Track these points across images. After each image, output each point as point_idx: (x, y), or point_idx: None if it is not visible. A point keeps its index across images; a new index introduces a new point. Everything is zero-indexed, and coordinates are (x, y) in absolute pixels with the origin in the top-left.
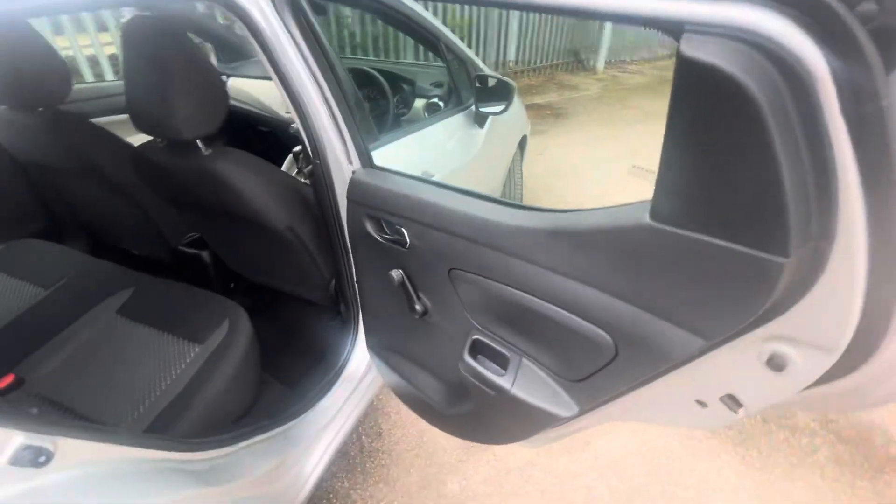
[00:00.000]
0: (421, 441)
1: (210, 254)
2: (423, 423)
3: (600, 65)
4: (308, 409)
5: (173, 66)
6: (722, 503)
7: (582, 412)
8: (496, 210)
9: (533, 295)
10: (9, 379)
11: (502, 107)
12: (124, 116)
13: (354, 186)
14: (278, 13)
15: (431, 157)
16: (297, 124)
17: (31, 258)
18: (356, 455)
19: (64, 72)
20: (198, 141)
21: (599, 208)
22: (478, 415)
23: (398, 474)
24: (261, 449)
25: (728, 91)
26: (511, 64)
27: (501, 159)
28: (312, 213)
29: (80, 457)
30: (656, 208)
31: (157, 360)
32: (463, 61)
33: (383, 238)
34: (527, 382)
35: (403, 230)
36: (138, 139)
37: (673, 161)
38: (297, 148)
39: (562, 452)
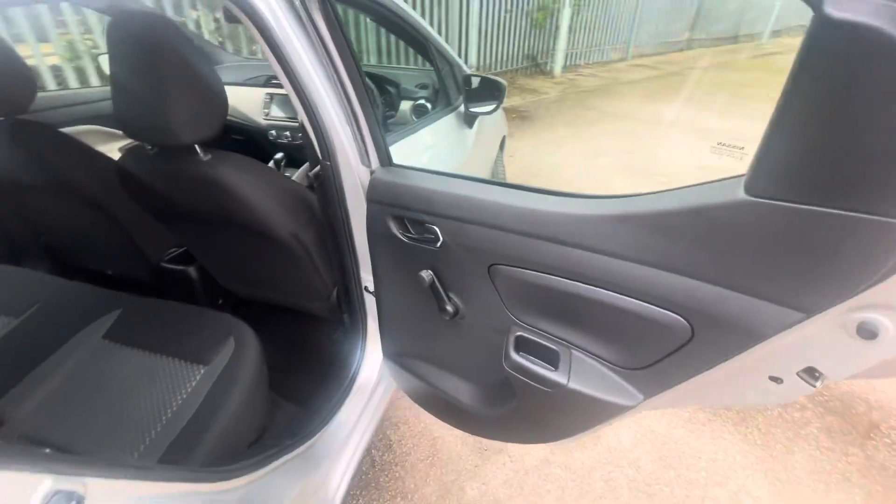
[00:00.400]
0: (434, 449)
1: (197, 269)
2: (434, 431)
3: (557, 69)
4: (324, 425)
5: (170, 64)
6: (733, 481)
7: (646, 399)
8: (547, 200)
9: (591, 284)
10: None
11: (493, 106)
12: (93, 127)
13: (376, 186)
14: (305, 7)
15: (429, 157)
16: (306, 125)
17: None
18: (368, 470)
19: (27, 77)
20: (196, 146)
21: (676, 189)
22: (525, 413)
23: (415, 485)
24: (286, 472)
25: (881, 49)
26: (472, 70)
27: (488, 159)
28: (316, 219)
29: (112, 498)
30: (754, 182)
31: (158, 386)
32: (450, 63)
33: (408, 238)
34: (583, 375)
35: (435, 228)
36: (107, 149)
37: (790, 131)
38: (279, 155)
39: (576, 448)
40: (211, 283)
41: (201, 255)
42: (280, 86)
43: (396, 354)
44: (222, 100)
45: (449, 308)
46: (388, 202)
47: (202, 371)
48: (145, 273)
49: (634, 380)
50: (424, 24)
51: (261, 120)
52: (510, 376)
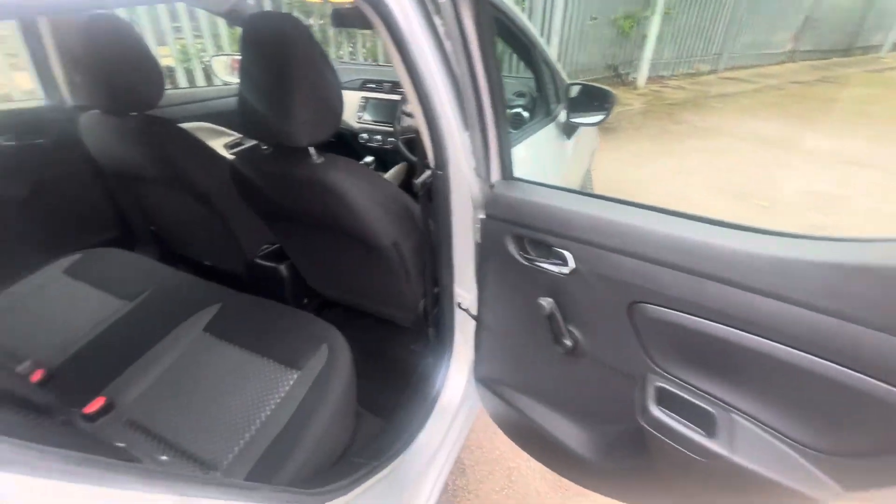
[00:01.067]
0: (509, 480)
1: (287, 267)
2: (509, 460)
3: (641, 80)
4: (407, 446)
5: (299, 65)
6: None
7: (846, 492)
8: (731, 235)
9: (786, 345)
10: (99, 402)
11: (601, 117)
12: (204, 124)
13: (496, 201)
14: (455, 6)
15: (530, 168)
16: (423, 132)
17: (111, 268)
18: (440, 494)
19: (159, 75)
20: (311, 148)
21: None
22: (655, 476)
23: None
24: (371, 496)
25: None
26: None
27: (581, 172)
28: (416, 228)
29: None
30: None
31: (252, 387)
32: (551, 70)
33: (527, 260)
34: (753, 449)
35: (566, 253)
36: (213, 145)
37: None
38: (369, 158)
39: None
40: (299, 281)
41: (296, 254)
42: (374, 90)
43: (490, 379)
44: (340, 103)
45: (567, 342)
46: (509, 219)
47: (295, 376)
48: (239, 266)
49: (833, 467)
50: (532, 28)
51: (354, 123)
52: (645, 432)
